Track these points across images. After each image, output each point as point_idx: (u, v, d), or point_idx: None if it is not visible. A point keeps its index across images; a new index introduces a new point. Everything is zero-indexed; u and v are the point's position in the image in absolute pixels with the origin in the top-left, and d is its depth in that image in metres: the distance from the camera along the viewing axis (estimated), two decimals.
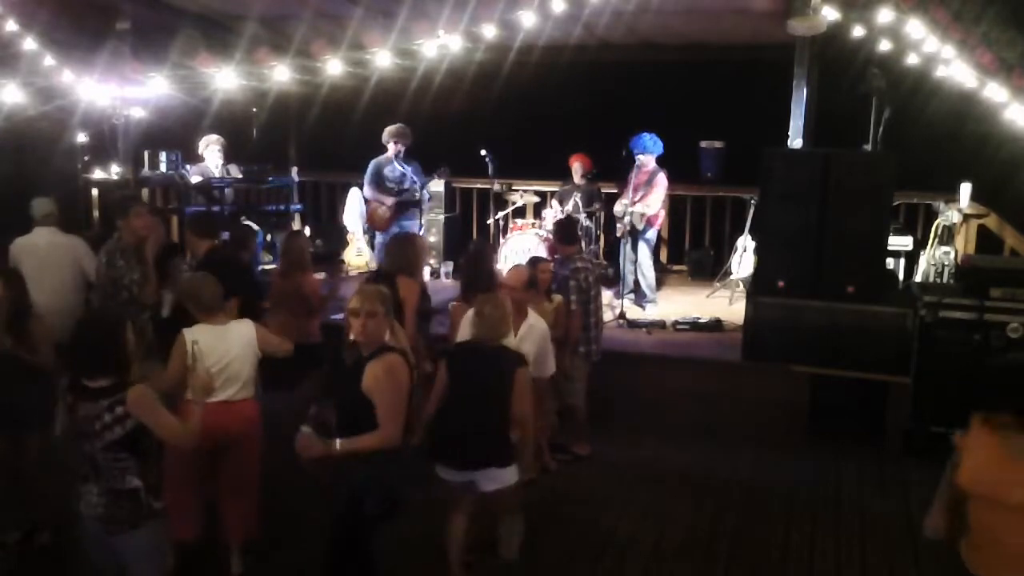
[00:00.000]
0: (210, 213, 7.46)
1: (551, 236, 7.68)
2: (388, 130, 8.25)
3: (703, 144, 9.80)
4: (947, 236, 7.76)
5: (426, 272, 8.84)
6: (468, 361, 4.05)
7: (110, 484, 3.28)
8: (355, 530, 3.66)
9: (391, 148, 8.24)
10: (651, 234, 8.24)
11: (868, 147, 7.43)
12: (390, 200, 8.23)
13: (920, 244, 8.04)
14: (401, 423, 3.54)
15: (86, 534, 3.40)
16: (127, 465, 3.27)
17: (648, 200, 7.97)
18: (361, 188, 9.11)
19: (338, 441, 3.52)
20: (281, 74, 6.54)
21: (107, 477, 3.28)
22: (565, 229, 6.01)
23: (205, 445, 3.76)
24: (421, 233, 8.20)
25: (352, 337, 3.63)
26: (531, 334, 4.70)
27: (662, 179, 8.02)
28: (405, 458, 3.68)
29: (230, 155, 8.48)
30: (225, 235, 6.52)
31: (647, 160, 7.97)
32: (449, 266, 9.27)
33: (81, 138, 8.11)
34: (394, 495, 3.64)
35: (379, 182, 8.30)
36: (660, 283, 8.88)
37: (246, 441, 4.30)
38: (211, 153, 8.29)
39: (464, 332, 4.49)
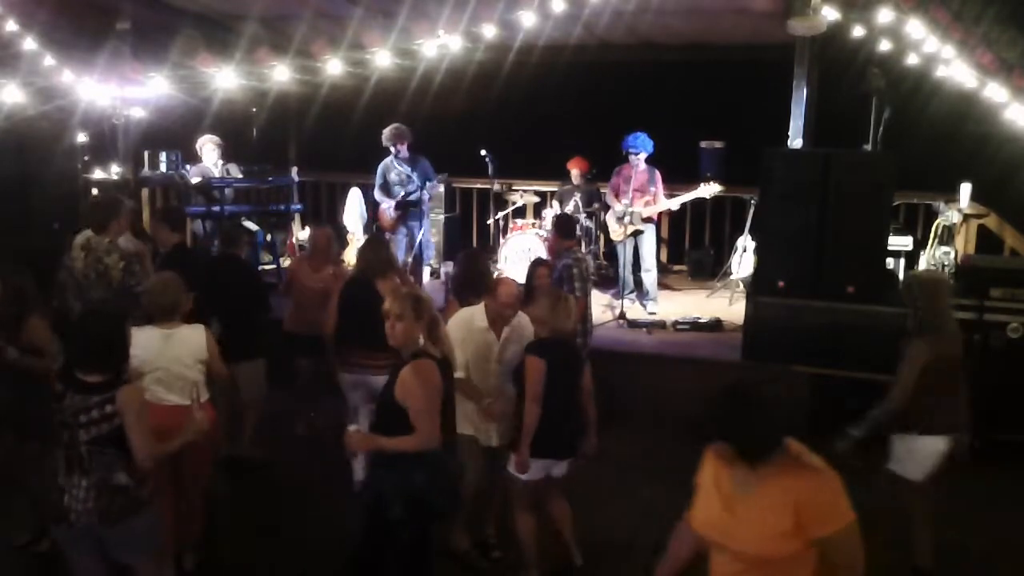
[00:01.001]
0: (180, 208, 7.45)
1: (550, 233, 7.66)
2: (383, 133, 8.21)
3: (703, 144, 9.77)
4: (947, 236, 7.75)
5: (426, 272, 8.85)
6: (559, 355, 4.17)
7: (99, 476, 3.24)
8: (379, 537, 3.65)
9: (392, 150, 8.24)
10: (653, 230, 8.22)
11: (868, 147, 7.42)
12: (390, 201, 8.22)
13: (920, 244, 8.02)
14: (436, 425, 3.56)
15: (68, 536, 3.32)
16: (112, 460, 3.25)
17: (659, 198, 7.97)
18: (360, 188, 9.11)
19: (384, 439, 3.57)
20: (281, 74, 6.55)
21: (95, 468, 3.24)
22: (563, 224, 6.05)
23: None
24: (422, 233, 8.19)
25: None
26: (514, 335, 4.50)
27: (659, 176, 8.02)
28: (438, 464, 3.63)
29: (230, 155, 8.48)
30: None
31: (641, 159, 7.95)
32: (449, 266, 9.25)
33: (81, 138, 8.09)
34: (421, 502, 3.58)
35: (383, 184, 8.31)
36: (660, 283, 8.87)
37: (198, 447, 4.13)
38: (207, 153, 8.29)
39: (459, 334, 4.43)
